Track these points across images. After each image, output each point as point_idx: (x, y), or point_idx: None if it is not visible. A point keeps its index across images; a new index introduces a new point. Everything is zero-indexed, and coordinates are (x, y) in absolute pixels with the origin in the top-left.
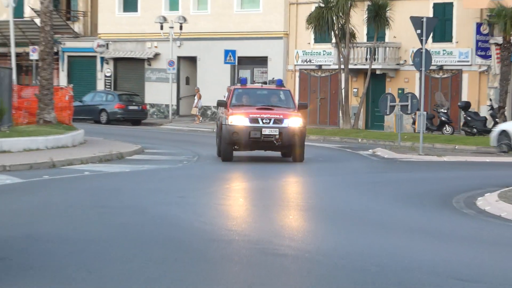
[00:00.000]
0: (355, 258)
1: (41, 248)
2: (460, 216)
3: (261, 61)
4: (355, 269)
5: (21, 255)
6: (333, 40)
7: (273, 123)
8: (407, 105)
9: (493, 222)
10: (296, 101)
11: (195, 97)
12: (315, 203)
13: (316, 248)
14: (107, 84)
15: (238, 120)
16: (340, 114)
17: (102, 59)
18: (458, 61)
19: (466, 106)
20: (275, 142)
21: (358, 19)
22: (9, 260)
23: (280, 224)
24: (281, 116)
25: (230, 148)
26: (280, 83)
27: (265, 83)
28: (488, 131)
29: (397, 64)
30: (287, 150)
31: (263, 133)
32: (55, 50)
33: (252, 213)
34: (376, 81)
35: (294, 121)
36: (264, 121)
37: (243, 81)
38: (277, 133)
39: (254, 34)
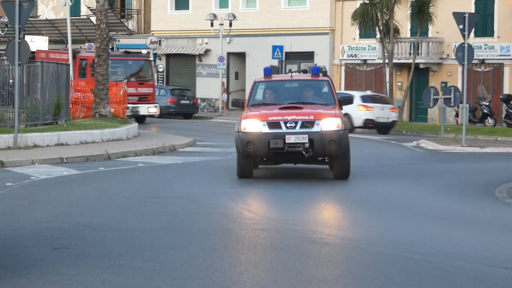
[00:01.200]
0: (400, 247)
1: (98, 237)
2: (503, 206)
3: (308, 56)
4: (400, 257)
5: (79, 244)
6: (378, 36)
7: (301, 127)
8: (450, 98)
9: None
10: (336, 95)
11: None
12: (360, 194)
13: (362, 237)
14: (160, 79)
15: (253, 125)
16: None
17: (155, 55)
18: (500, 55)
19: (508, 98)
20: (304, 153)
21: (402, 15)
22: (67, 249)
23: (326, 214)
24: (312, 117)
25: (248, 162)
26: (316, 71)
27: (301, 72)
28: None
29: (440, 59)
30: (328, 162)
31: (287, 141)
32: (110, 47)
33: (299, 204)
34: (420, 75)
35: (331, 123)
36: (288, 124)
37: (267, 72)
38: (307, 141)
39: (301, 30)
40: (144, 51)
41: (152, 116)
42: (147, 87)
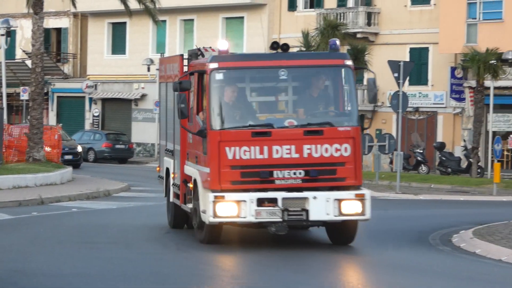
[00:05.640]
0: None
1: (31, 283)
2: (436, 253)
3: None
4: None
5: None
6: None
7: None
8: (385, 145)
9: (468, 258)
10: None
11: None
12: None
13: None
14: (95, 123)
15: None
16: None
17: (91, 99)
18: (434, 104)
19: (441, 146)
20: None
21: None
22: None
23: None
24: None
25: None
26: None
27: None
28: (462, 171)
29: (375, 106)
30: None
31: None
32: (45, 91)
33: (236, 251)
34: None
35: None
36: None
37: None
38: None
39: None
40: None
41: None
42: None
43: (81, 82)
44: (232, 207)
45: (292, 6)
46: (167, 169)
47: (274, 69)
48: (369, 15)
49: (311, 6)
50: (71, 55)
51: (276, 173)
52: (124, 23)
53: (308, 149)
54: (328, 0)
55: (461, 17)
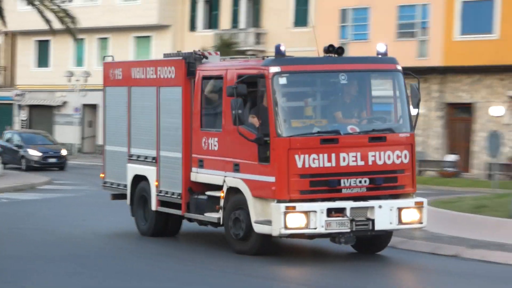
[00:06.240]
0: None
1: None
2: None
3: None
4: None
5: None
6: None
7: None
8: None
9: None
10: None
11: None
12: None
13: None
14: (23, 126)
15: (301, 221)
16: None
17: (19, 106)
18: None
19: None
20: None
21: None
22: None
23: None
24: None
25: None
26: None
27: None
28: None
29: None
30: None
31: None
32: None
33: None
34: None
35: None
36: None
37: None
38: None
39: None
40: None
41: None
42: None
43: (10, 91)
44: (301, 218)
45: (192, 27)
46: (137, 176)
47: (334, 73)
48: (257, 35)
49: (209, 27)
50: (2, 67)
51: (343, 182)
52: (48, 40)
53: (372, 156)
54: (223, 22)
55: (334, 37)
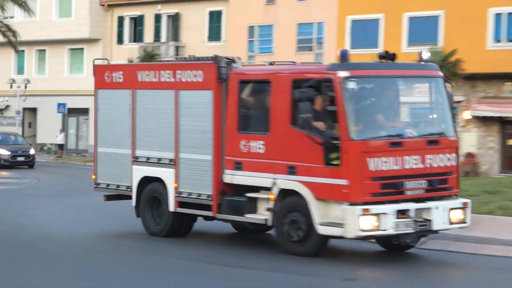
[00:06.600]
0: None
1: None
2: None
3: (85, 111)
4: None
5: None
6: None
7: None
8: None
9: None
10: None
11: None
12: None
13: None
14: None
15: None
16: None
17: None
18: None
19: None
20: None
21: None
22: None
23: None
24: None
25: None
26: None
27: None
28: None
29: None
30: None
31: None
32: None
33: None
34: None
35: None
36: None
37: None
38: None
39: (80, 92)
40: None
41: None
42: None
43: None
44: (373, 220)
45: (120, 40)
46: (145, 178)
47: (395, 79)
48: (177, 48)
49: (135, 41)
50: None
51: (407, 184)
52: None
53: (429, 159)
54: (147, 36)
55: (243, 51)
